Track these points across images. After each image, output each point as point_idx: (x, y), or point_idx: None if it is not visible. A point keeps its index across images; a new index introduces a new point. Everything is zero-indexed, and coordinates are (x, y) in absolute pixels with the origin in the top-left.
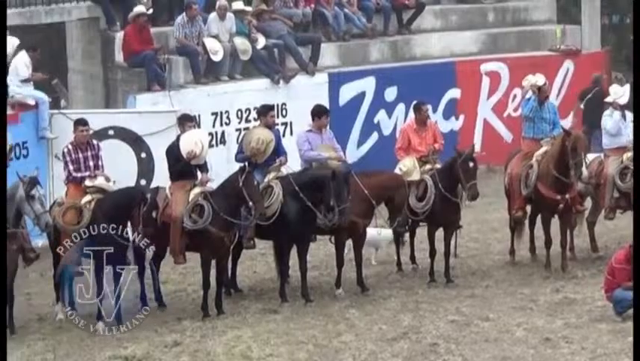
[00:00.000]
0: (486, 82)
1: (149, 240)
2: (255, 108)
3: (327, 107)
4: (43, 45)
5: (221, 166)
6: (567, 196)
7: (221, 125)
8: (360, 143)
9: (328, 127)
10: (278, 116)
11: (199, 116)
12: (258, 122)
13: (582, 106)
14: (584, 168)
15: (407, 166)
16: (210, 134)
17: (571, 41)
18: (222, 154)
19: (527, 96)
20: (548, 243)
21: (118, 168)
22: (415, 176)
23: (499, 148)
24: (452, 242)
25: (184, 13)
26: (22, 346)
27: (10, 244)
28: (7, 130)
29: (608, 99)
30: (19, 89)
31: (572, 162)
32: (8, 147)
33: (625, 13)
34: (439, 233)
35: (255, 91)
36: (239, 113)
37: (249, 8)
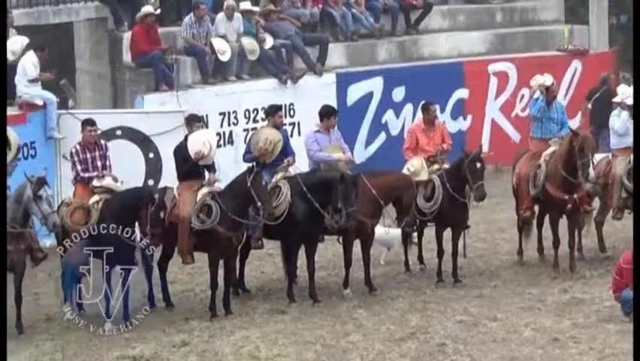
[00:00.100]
0: (494, 82)
1: (157, 240)
2: (262, 108)
3: (335, 107)
4: (51, 45)
5: (229, 166)
6: (575, 196)
7: (229, 125)
8: (367, 143)
9: (336, 127)
10: (285, 117)
11: (207, 116)
12: (266, 122)
13: (590, 106)
14: (591, 169)
15: (415, 166)
16: (218, 134)
17: (579, 41)
18: (230, 154)
19: (535, 96)
20: (556, 243)
21: (126, 169)
22: (423, 176)
23: (506, 148)
24: (461, 243)
25: (192, 14)
26: (30, 346)
27: (18, 244)
28: (7, 130)
29: (616, 99)
30: (27, 89)
31: (579, 163)
32: (16, 147)
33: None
34: (447, 233)
35: (262, 91)
36: (247, 113)
37: (256, 8)
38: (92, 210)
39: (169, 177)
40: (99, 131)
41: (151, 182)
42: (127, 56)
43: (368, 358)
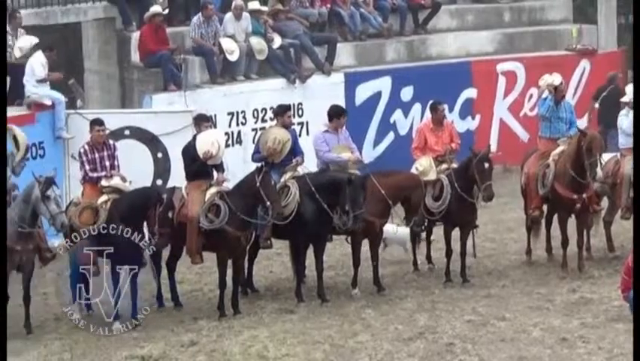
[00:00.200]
0: (502, 82)
1: (165, 240)
2: (271, 108)
3: (344, 107)
4: (59, 45)
5: (238, 166)
6: (584, 196)
7: (238, 125)
8: (376, 143)
9: (344, 127)
10: (294, 116)
11: (215, 116)
12: (275, 122)
13: (597, 105)
14: (599, 168)
15: (423, 166)
16: (226, 134)
17: (587, 41)
18: (238, 154)
19: (544, 96)
20: (565, 243)
21: (134, 168)
22: (432, 176)
23: (515, 148)
24: (470, 242)
25: (200, 13)
26: (39, 345)
27: (26, 244)
28: (15, 130)
29: (624, 99)
30: (35, 89)
31: (587, 163)
32: (25, 147)
33: None
34: (455, 233)
35: (271, 91)
36: (255, 113)
37: (265, 8)
38: (100, 210)
39: (177, 176)
40: (107, 131)
41: (159, 182)
42: (135, 56)
43: (376, 358)
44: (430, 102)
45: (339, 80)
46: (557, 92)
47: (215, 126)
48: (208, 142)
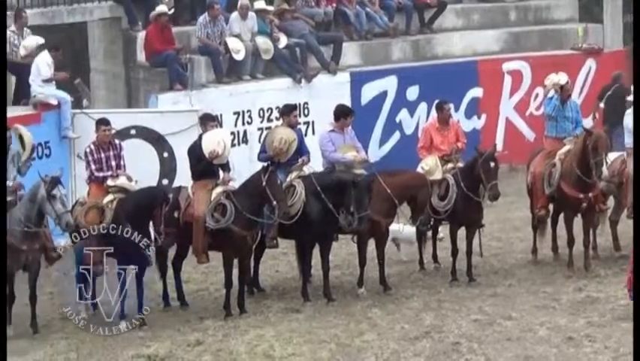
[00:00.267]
0: (508, 81)
1: (171, 240)
2: (277, 107)
3: (349, 106)
4: (65, 45)
5: (244, 165)
6: (590, 195)
7: (244, 124)
8: (382, 142)
9: (350, 126)
10: (300, 116)
11: (221, 115)
12: (281, 121)
13: (602, 105)
14: (605, 168)
15: (429, 165)
16: (232, 133)
17: (593, 40)
18: (244, 153)
19: (550, 95)
20: (571, 242)
21: (140, 168)
22: (437, 175)
23: (521, 147)
24: (476, 241)
25: (206, 13)
26: (45, 345)
27: (32, 243)
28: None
29: (630, 98)
30: (41, 88)
31: (592, 162)
32: (31, 147)
33: None
34: (461, 232)
35: (276, 90)
36: (261, 112)
37: (270, 7)
38: (106, 210)
39: (183, 176)
40: (113, 131)
41: (165, 181)
42: (141, 56)
43: (382, 357)
44: (436, 101)
45: (344, 79)
46: (563, 92)
47: (221, 126)
48: (214, 141)
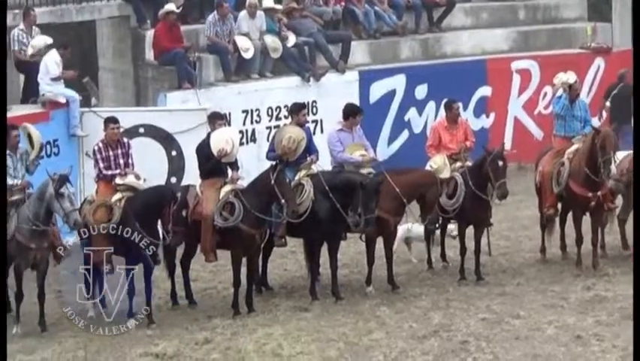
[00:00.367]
0: (517, 80)
1: (179, 238)
2: (285, 106)
3: (358, 105)
4: (73, 43)
5: (252, 164)
6: (598, 194)
7: (252, 123)
8: (390, 141)
9: (359, 125)
10: (308, 114)
11: (229, 114)
12: (289, 120)
13: (608, 103)
14: (613, 166)
15: (437, 164)
16: (241, 132)
17: (602, 39)
18: (253, 152)
19: (558, 94)
20: (579, 240)
21: (148, 166)
22: (446, 174)
23: (529, 146)
24: (484, 240)
25: (215, 12)
26: (53, 343)
27: (40, 241)
28: (30, 127)
29: None
30: (49, 87)
31: (600, 160)
32: (39, 145)
33: None
34: (470, 231)
35: (285, 89)
36: (269, 111)
37: (279, 6)
38: (114, 208)
39: (192, 174)
40: (122, 129)
41: (174, 180)
42: (149, 54)
43: (391, 356)
44: (445, 100)
45: (353, 78)
46: (572, 91)
47: (229, 124)
48: (222, 140)
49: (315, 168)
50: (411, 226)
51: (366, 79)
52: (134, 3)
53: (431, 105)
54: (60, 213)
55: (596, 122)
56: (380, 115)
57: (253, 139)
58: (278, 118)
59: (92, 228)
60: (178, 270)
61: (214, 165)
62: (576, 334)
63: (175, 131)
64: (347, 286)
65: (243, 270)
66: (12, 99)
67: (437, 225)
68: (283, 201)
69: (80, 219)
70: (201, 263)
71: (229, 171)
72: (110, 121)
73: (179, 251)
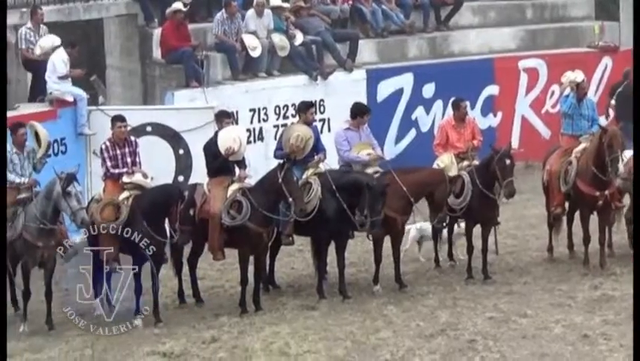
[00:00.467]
0: (524, 78)
1: (187, 237)
2: (292, 105)
3: (365, 103)
4: (81, 42)
5: (260, 162)
6: (606, 192)
7: (259, 121)
8: (398, 139)
9: (366, 124)
10: (315, 113)
11: (237, 112)
12: (297, 118)
13: (613, 101)
14: (620, 165)
15: (445, 162)
16: (248, 130)
17: (609, 38)
18: (260, 150)
19: (566, 93)
20: (587, 239)
21: (156, 165)
22: (453, 172)
23: (537, 144)
24: (492, 239)
25: (224, 10)
26: (60, 342)
27: (48, 240)
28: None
29: None
30: (57, 85)
31: (608, 159)
32: (47, 144)
33: None
34: (477, 229)
35: (292, 87)
36: (277, 109)
37: (286, 5)
38: (122, 207)
39: (199, 173)
40: (129, 128)
41: (181, 178)
42: (157, 53)
43: (398, 354)
44: (452, 99)
45: (360, 76)
46: (579, 90)
47: (236, 123)
48: (230, 138)
49: (322, 167)
50: (424, 226)
51: (374, 77)
52: (141, 1)
53: (438, 104)
54: (67, 211)
55: (603, 120)
56: (387, 114)
57: (260, 137)
58: (285, 116)
59: (98, 227)
60: (185, 268)
61: (221, 164)
62: (583, 333)
63: (182, 129)
64: (354, 285)
65: (251, 268)
66: (19, 98)
67: (444, 224)
68: (291, 199)
69: (87, 217)
70: (209, 261)
71: (236, 170)
72: (118, 119)
73: (187, 250)
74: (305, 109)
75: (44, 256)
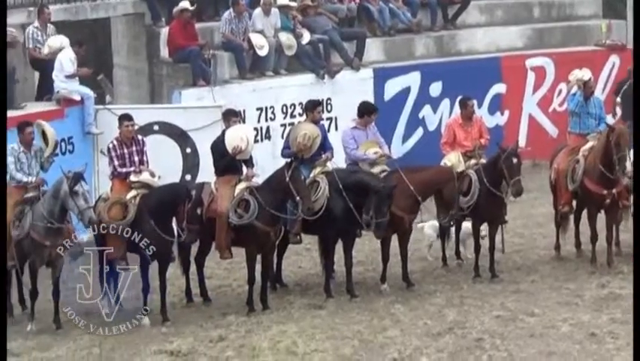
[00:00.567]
0: (531, 77)
1: (194, 236)
2: (300, 103)
3: (373, 102)
4: (88, 41)
5: (267, 161)
6: (613, 191)
7: (267, 120)
8: (405, 138)
9: (373, 122)
10: (323, 112)
11: (244, 111)
12: (304, 117)
13: (619, 99)
14: (628, 163)
15: (452, 161)
16: (255, 129)
17: (616, 36)
18: (267, 149)
19: (573, 91)
20: (594, 238)
21: (163, 164)
22: (460, 168)
23: (544, 143)
24: (499, 237)
25: (231, 9)
26: (68, 340)
27: (55, 239)
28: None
29: None
30: (64, 84)
31: (615, 157)
32: (54, 143)
33: None
34: (484, 228)
35: (300, 86)
36: (284, 108)
37: (293, 3)
38: (129, 206)
39: (206, 172)
40: (136, 127)
41: (188, 177)
42: (164, 52)
43: (405, 353)
44: (459, 98)
45: (368, 75)
46: (586, 88)
47: (244, 121)
48: (237, 137)
49: (330, 166)
50: (436, 224)
51: (381, 76)
52: (148, 0)
53: (446, 103)
54: (75, 210)
55: (610, 119)
56: (395, 112)
57: (268, 136)
58: (292, 115)
59: (104, 226)
60: (192, 267)
61: (229, 163)
62: (590, 331)
63: (189, 128)
64: (362, 284)
65: (258, 267)
66: (27, 96)
67: (452, 222)
68: (298, 198)
69: (94, 216)
70: (216, 260)
71: (244, 169)
72: (125, 118)
73: (194, 249)
74: (312, 108)
75: (52, 255)
